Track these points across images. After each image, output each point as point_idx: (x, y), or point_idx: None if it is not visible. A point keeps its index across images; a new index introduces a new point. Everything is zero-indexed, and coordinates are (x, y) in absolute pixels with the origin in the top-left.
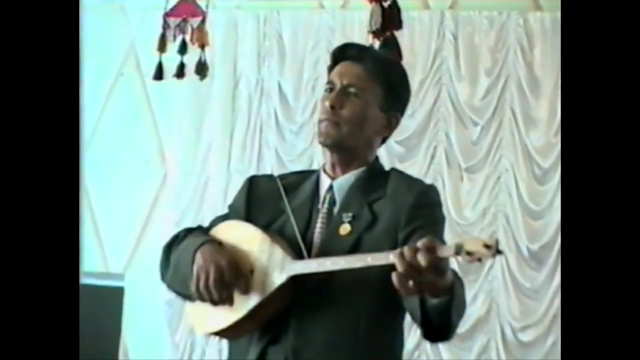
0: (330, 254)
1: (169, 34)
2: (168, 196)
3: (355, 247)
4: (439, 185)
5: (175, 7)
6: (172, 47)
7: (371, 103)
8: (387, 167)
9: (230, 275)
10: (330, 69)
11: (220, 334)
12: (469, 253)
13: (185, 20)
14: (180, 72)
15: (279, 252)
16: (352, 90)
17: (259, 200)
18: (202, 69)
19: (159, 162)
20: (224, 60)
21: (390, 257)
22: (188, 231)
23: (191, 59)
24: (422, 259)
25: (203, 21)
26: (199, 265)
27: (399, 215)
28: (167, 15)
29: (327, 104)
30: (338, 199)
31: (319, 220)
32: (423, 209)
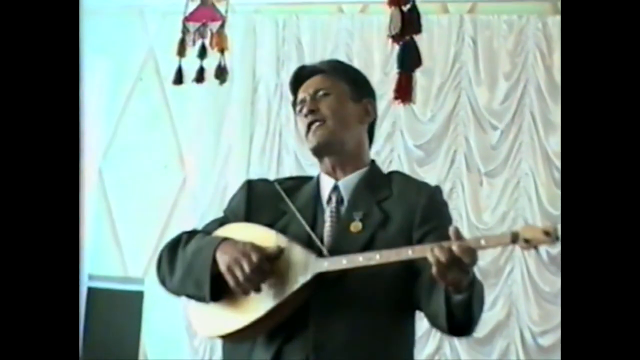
0: (343, 251)
1: (189, 39)
2: (187, 200)
3: (369, 244)
4: (458, 190)
5: (194, 11)
6: (191, 51)
7: (342, 97)
8: (406, 171)
9: (264, 262)
10: (295, 98)
11: (230, 336)
12: (526, 240)
13: (204, 25)
14: (200, 77)
15: (299, 251)
16: (321, 93)
17: (259, 203)
18: (221, 73)
19: (178, 166)
20: (243, 65)
21: (430, 250)
22: (189, 234)
23: (210, 63)
24: (465, 255)
25: (222, 25)
26: (228, 260)
27: (412, 215)
28: (186, 19)
29: (304, 111)
30: (345, 197)
31: (328, 219)
32: (435, 209)
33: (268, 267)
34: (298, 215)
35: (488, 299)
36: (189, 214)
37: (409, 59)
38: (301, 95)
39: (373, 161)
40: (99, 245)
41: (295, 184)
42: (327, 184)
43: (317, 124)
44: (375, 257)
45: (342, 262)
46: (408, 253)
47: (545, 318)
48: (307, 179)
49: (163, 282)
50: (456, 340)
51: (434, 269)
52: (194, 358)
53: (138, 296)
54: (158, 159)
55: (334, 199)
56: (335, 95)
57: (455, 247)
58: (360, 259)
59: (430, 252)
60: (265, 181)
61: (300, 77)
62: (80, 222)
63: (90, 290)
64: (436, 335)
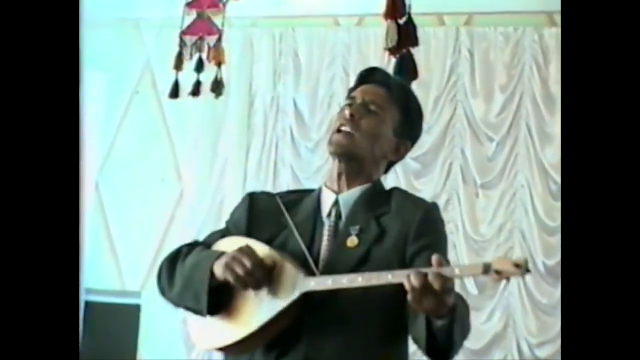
0: (338, 266)
1: (186, 52)
2: (184, 214)
3: (363, 260)
4: (454, 202)
5: (191, 25)
6: (188, 65)
7: (387, 123)
8: (402, 184)
9: (262, 260)
10: (353, 88)
11: (227, 349)
12: (497, 272)
13: (201, 39)
14: (197, 90)
15: (289, 268)
16: (372, 107)
17: (260, 216)
18: (218, 86)
19: (175, 179)
20: (240, 78)
21: (406, 276)
22: (190, 247)
23: (207, 76)
24: (435, 282)
25: (219, 39)
26: (225, 260)
27: (407, 229)
28: (183, 33)
29: (346, 112)
30: (344, 212)
31: (325, 233)
32: (430, 225)
33: (266, 265)
34: (295, 231)
35: (485, 310)
36: (186, 227)
37: (406, 71)
38: (357, 94)
39: (379, 179)
40: (96, 259)
41: (297, 198)
42: (328, 198)
43: (347, 132)
44: (357, 279)
45: (327, 283)
46: (387, 277)
47: (542, 330)
48: (309, 192)
49: (163, 293)
50: None
51: (409, 296)
52: None
53: (135, 309)
54: (155, 172)
55: (333, 213)
56: (381, 119)
57: (430, 275)
58: (344, 281)
59: (406, 278)
60: (267, 194)
61: (371, 76)
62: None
63: (88, 303)
64: None
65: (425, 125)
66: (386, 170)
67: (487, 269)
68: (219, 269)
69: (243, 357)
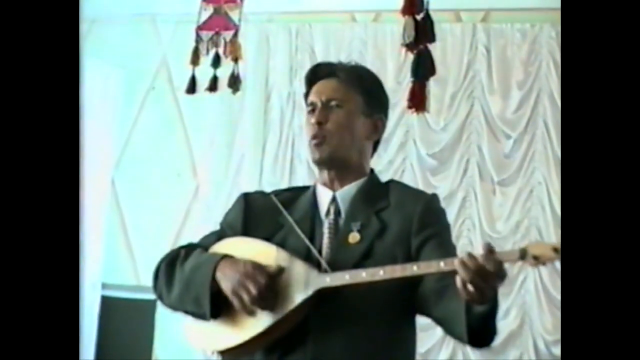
0: (341, 263)
1: (202, 48)
2: (200, 209)
3: (366, 255)
4: (471, 199)
5: (207, 20)
6: (205, 60)
7: (354, 111)
8: (419, 181)
9: (268, 282)
10: (307, 93)
11: (230, 351)
12: (535, 257)
13: (218, 34)
14: (213, 86)
15: (299, 266)
16: (333, 103)
17: (256, 217)
18: (234, 82)
19: (190, 175)
20: (256, 74)
21: (441, 265)
22: (188, 249)
23: (223, 72)
24: (489, 265)
25: (236, 34)
26: (233, 284)
27: (409, 223)
28: (199, 28)
29: (312, 121)
30: (343, 209)
31: (326, 231)
32: (433, 216)
33: (273, 285)
34: (297, 228)
35: (501, 308)
36: (202, 222)
37: (423, 68)
38: (313, 97)
39: (372, 170)
40: (112, 254)
41: (292, 196)
42: (324, 195)
43: (320, 139)
44: (379, 273)
45: (345, 278)
46: (413, 269)
47: (558, 327)
48: (303, 189)
49: (160, 297)
50: (469, 350)
51: (462, 282)
52: None
53: (151, 305)
54: (171, 167)
55: (332, 210)
56: (347, 110)
57: (471, 258)
58: (363, 275)
59: (460, 264)
60: (261, 194)
61: (316, 75)
62: (86, 229)
63: (104, 298)
64: (449, 344)
65: (442, 122)
66: (375, 149)
67: (524, 254)
68: (226, 288)
69: (244, 359)
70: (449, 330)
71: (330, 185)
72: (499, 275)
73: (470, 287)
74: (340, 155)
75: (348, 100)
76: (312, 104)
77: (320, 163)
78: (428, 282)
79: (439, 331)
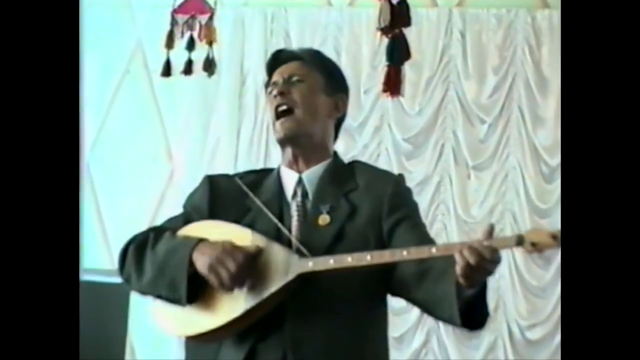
0: (312, 245)
1: (177, 31)
2: (175, 194)
3: (338, 237)
4: (446, 183)
5: (183, 3)
6: (180, 43)
7: (315, 87)
8: (394, 165)
9: (248, 259)
10: (269, 78)
11: (204, 336)
12: (533, 244)
13: (193, 17)
14: (188, 69)
15: (278, 249)
16: (295, 78)
17: (222, 199)
18: (209, 65)
19: (165, 159)
20: (231, 58)
21: (433, 251)
22: (157, 232)
23: (199, 56)
24: (488, 252)
25: (211, 18)
26: (210, 260)
27: (379, 205)
28: (175, 11)
29: (275, 92)
30: (310, 190)
31: (294, 213)
32: (402, 197)
33: (252, 264)
34: (267, 211)
35: None
36: (177, 207)
37: (398, 52)
38: (275, 77)
39: (335, 152)
40: (87, 238)
41: (257, 178)
42: (289, 177)
43: (284, 108)
44: (366, 258)
45: (329, 263)
46: (403, 254)
47: (532, 312)
48: (267, 171)
49: (128, 280)
50: (443, 334)
51: (462, 269)
52: (182, 352)
53: (125, 289)
54: (146, 152)
55: (299, 192)
56: (309, 85)
57: (477, 246)
58: (349, 260)
59: (458, 252)
60: (225, 176)
61: (277, 60)
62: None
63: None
64: (423, 329)
65: (417, 107)
66: (336, 133)
67: (520, 240)
68: (202, 267)
69: (211, 344)
70: (436, 313)
71: (295, 166)
72: (495, 260)
73: (474, 275)
74: (304, 131)
75: (309, 77)
76: (275, 83)
77: (285, 140)
78: (406, 266)
79: (413, 316)
